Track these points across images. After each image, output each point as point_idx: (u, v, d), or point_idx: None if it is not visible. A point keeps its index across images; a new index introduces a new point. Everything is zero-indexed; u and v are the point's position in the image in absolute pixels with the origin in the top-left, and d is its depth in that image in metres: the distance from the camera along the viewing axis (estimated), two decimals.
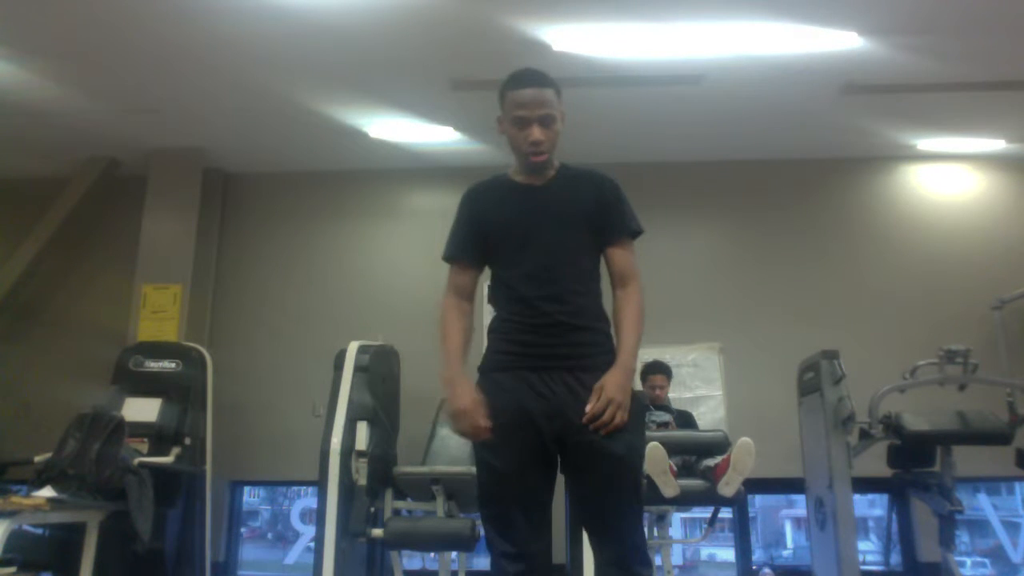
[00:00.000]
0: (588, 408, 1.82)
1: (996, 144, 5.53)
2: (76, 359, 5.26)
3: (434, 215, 5.69)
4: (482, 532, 1.92)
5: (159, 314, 5.22)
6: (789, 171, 5.78)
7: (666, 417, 4.44)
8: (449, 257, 2.08)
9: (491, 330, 2.01)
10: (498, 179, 2.10)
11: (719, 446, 3.93)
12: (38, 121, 5.06)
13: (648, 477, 3.70)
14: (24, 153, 5.52)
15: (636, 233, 2.05)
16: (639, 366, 4.64)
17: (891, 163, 5.78)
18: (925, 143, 5.57)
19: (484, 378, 1.95)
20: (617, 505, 1.86)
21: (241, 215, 5.84)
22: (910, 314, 5.41)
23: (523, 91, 1.98)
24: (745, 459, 3.65)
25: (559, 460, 1.89)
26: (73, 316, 5.56)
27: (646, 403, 4.39)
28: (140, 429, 4.40)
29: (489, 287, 2.07)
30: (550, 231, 1.96)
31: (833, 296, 5.53)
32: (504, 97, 2.02)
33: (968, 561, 6.24)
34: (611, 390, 1.83)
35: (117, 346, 4.97)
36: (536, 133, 1.96)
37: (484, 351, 2.01)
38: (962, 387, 4.43)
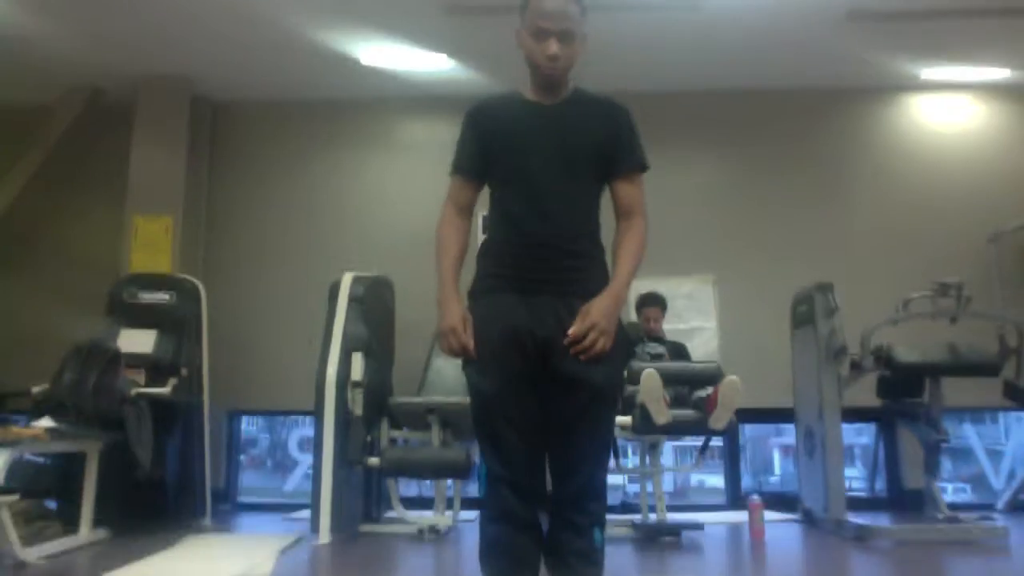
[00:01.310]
0: (571, 330, 1.80)
1: (1001, 73, 5.43)
2: (69, 290, 5.24)
3: (428, 145, 5.66)
4: (478, 458, 1.94)
5: (151, 245, 5.18)
6: (788, 102, 5.68)
7: (660, 349, 4.48)
8: (456, 169, 2.01)
9: (482, 253, 1.98)
10: (508, 96, 2.02)
11: (712, 377, 3.97)
12: (16, 48, 4.91)
13: (642, 405, 3.75)
14: (3, 82, 5.37)
15: (644, 167, 2.00)
16: (634, 298, 4.65)
17: (893, 94, 5.69)
18: (928, 72, 5.46)
19: (473, 302, 1.93)
20: (587, 436, 1.85)
21: (232, 145, 5.74)
22: (906, 247, 5.40)
23: (547, 1, 1.90)
24: (732, 396, 3.69)
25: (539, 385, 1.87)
26: (65, 247, 5.52)
27: (635, 336, 4.41)
28: (136, 360, 4.41)
29: (484, 217, 2.04)
30: (555, 151, 1.90)
31: (829, 228, 5.52)
32: (526, 7, 1.93)
33: (950, 487, 6.42)
34: (596, 315, 1.81)
35: (110, 277, 4.95)
36: (554, 47, 1.88)
37: (475, 273, 1.98)
38: (954, 320, 4.46)
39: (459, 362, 1.93)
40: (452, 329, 1.84)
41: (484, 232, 2.04)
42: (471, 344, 1.84)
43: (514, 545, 1.83)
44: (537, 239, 1.87)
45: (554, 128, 1.92)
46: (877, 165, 5.62)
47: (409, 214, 5.22)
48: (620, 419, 4.09)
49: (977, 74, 5.47)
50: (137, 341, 4.51)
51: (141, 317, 4.65)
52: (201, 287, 4.90)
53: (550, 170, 1.89)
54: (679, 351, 4.61)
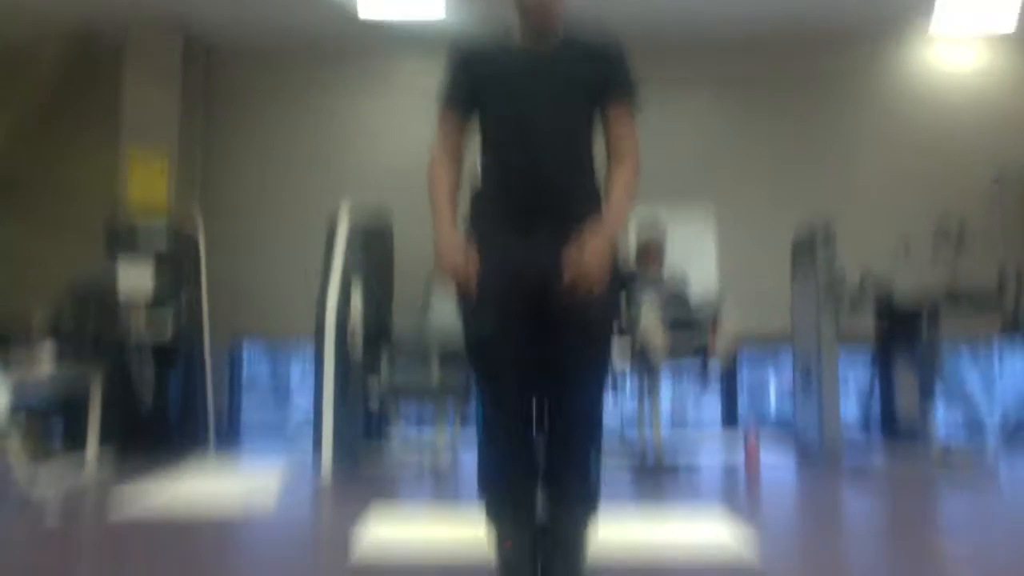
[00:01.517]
0: (565, 277, 1.75)
1: (1010, 12, 5.24)
2: (67, 227, 5.19)
3: (426, 83, 5.46)
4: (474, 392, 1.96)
5: (147, 179, 5.11)
6: (795, 37, 5.50)
7: (660, 282, 4.47)
8: (447, 102, 1.94)
9: (475, 198, 1.94)
10: (498, 41, 1.95)
11: (712, 309, 3.98)
12: None
13: (642, 337, 3.77)
14: None
15: (636, 103, 1.93)
16: (634, 232, 4.62)
17: (900, 35, 5.50)
18: (937, 12, 5.27)
19: (467, 239, 1.88)
20: (582, 372, 1.85)
21: (226, 86, 5.61)
22: (910, 186, 5.34)
23: None
24: (731, 329, 3.70)
25: (532, 320, 1.85)
26: (62, 185, 5.42)
27: (633, 271, 4.39)
28: (136, 295, 4.42)
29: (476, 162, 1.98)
30: (547, 99, 1.86)
31: (833, 165, 5.44)
32: None
33: (942, 419, 6.52)
34: (590, 258, 1.74)
35: (107, 211, 4.91)
36: None
37: (468, 211, 1.94)
38: (955, 257, 4.45)
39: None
40: (454, 266, 1.78)
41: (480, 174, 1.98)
42: (470, 272, 1.77)
43: (510, 477, 1.85)
44: (532, 184, 1.84)
45: (546, 76, 1.86)
46: (883, 105, 5.50)
47: (406, 152, 5.12)
48: (620, 352, 4.12)
49: (988, 13, 5.28)
50: (136, 276, 4.51)
51: (139, 252, 4.63)
52: (199, 222, 4.87)
53: (543, 118, 1.85)
54: (679, 284, 4.60)
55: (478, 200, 1.93)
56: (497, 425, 1.86)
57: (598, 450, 1.90)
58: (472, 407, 4.42)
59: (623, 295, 4.09)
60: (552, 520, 1.86)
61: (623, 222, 1.87)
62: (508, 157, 1.87)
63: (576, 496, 1.86)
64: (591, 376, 1.89)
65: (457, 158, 1.93)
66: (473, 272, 1.78)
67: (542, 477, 1.89)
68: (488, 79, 1.90)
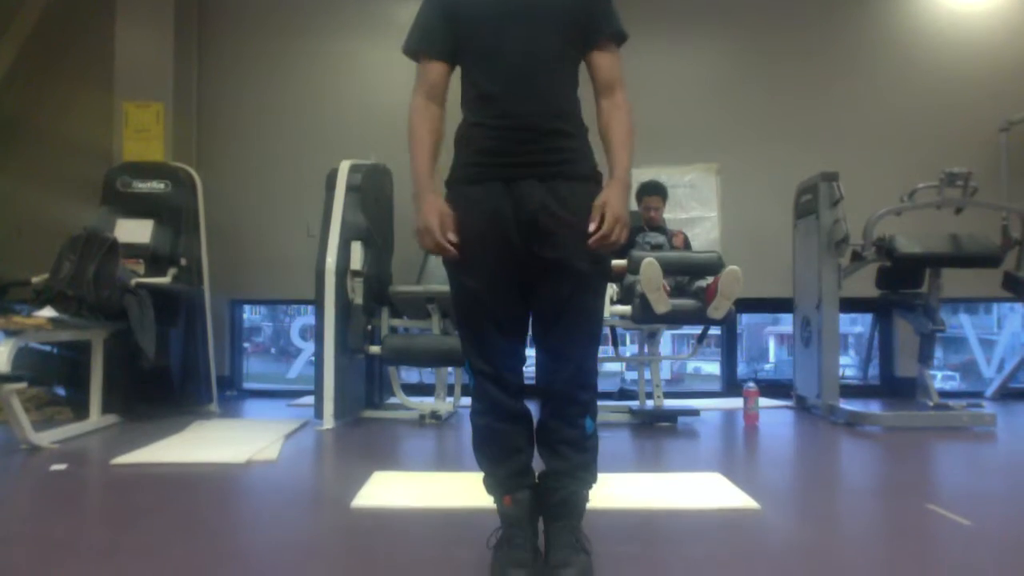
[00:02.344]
0: (592, 227, 1.71)
1: None
2: (62, 178, 5.15)
3: None
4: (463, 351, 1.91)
5: (143, 133, 5.06)
6: None
7: (660, 238, 4.45)
8: (411, 51, 1.87)
9: (459, 138, 1.86)
10: None
11: (712, 267, 3.96)
12: None
13: (642, 294, 3.77)
14: None
15: (622, 36, 1.87)
16: (634, 186, 4.59)
17: None
18: None
19: (452, 191, 1.83)
20: (575, 324, 1.81)
21: (221, 31, 5.51)
22: (914, 137, 5.28)
23: None
24: (732, 286, 3.69)
25: (526, 270, 1.80)
26: (55, 136, 5.36)
27: (635, 224, 4.37)
28: (135, 250, 4.40)
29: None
30: (526, 25, 1.78)
31: (835, 117, 5.38)
32: None
33: (939, 375, 6.56)
34: (616, 207, 1.71)
35: (103, 165, 4.87)
36: None
37: (452, 162, 1.87)
38: (959, 210, 4.42)
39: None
40: (429, 228, 1.74)
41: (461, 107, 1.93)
42: (448, 243, 1.75)
43: (504, 435, 1.84)
44: (517, 120, 1.77)
45: (524, 4, 1.78)
46: (886, 52, 5.41)
47: (407, 101, 5.06)
48: (620, 308, 4.13)
49: None
50: (134, 231, 4.49)
51: (137, 207, 4.61)
52: (196, 176, 4.83)
53: (524, 46, 1.77)
54: (679, 240, 4.58)
55: (461, 140, 1.86)
56: (486, 390, 1.83)
57: (594, 403, 1.87)
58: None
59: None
60: (550, 441, 1.84)
61: (631, 165, 1.82)
62: (489, 89, 1.79)
63: (570, 454, 1.83)
64: (583, 327, 1.83)
65: (438, 103, 1.86)
66: (448, 236, 1.74)
67: (537, 435, 1.88)
68: (460, 5, 1.81)
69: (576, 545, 1.79)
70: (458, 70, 1.89)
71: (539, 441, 1.87)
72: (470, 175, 1.82)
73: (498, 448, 1.85)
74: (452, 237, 1.75)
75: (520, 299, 1.82)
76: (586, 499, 1.86)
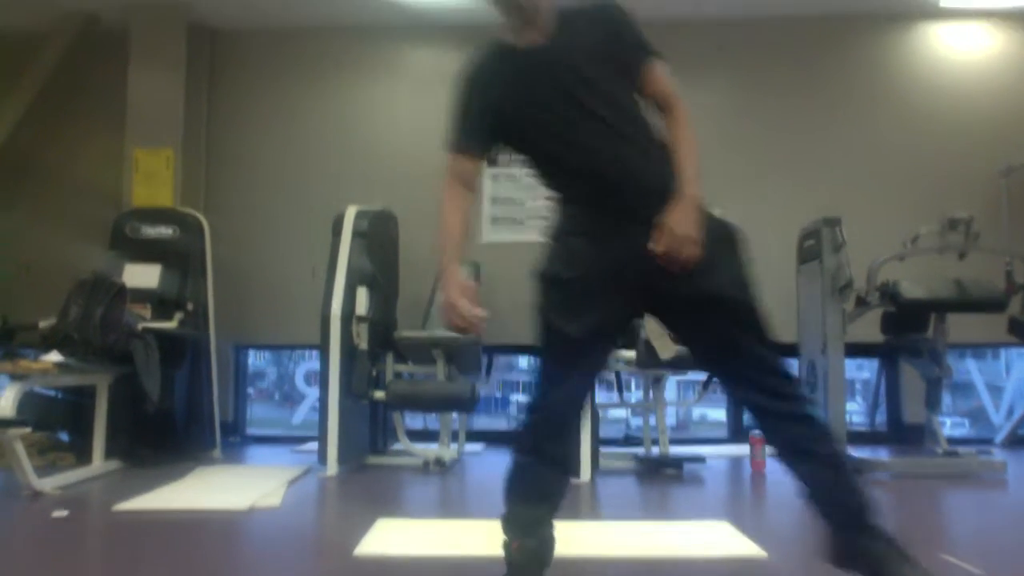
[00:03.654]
0: (652, 249, 1.68)
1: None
2: (72, 221, 5.20)
3: (434, 75, 5.49)
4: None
5: (152, 178, 5.13)
6: (795, 29, 5.49)
7: None
8: (456, 148, 1.85)
9: (556, 203, 1.86)
10: (496, 49, 1.87)
11: None
12: None
13: (647, 339, 3.77)
14: None
15: (659, 56, 1.86)
16: None
17: (905, 20, 5.49)
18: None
19: (556, 242, 1.82)
20: (747, 351, 1.75)
21: (231, 74, 5.61)
22: (916, 181, 5.31)
23: None
24: None
25: (664, 321, 1.86)
26: (66, 178, 5.44)
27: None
28: (141, 295, 4.42)
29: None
30: (574, 92, 1.75)
31: (837, 161, 5.42)
32: None
33: (948, 421, 6.49)
34: (679, 224, 1.68)
35: (112, 209, 4.93)
36: None
37: (553, 218, 1.85)
38: (962, 255, 4.43)
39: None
40: (451, 304, 1.77)
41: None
42: (474, 316, 1.75)
43: (540, 477, 1.81)
44: (603, 181, 1.74)
45: (560, 69, 1.76)
46: (888, 96, 5.47)
47: (415, 146, 5.11)
48: (624, 353, 4.12)
49: (995, 1, 5.28)
50: (142, 276, 4.52)
51: (145, 252, 4.65)
52: (204, 221, 4.88)
53: (581, 114, 1.74)
54: None
55: (558, 206, 1.86)
56: (535, 428, 1.82)
57: (805, 395, 1.84)
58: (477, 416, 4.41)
59: None
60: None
61: (698, 177, 1.78)
62: (568, 181, 1.81)
63: (815, 445, 1.87)
64: (757, 347, 1.75)
65: (470, 189, 1.86)
66: (476, 315, 1.76)
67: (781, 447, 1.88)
68: (502, 98, 1.80)
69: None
70: None
71: (781, 451, 1.90)
72: (573, 227, 1.82)
73: (530, 490, 1.83)
74: (480, 312, 1.76)
75: (607, 353, 1.87)
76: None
